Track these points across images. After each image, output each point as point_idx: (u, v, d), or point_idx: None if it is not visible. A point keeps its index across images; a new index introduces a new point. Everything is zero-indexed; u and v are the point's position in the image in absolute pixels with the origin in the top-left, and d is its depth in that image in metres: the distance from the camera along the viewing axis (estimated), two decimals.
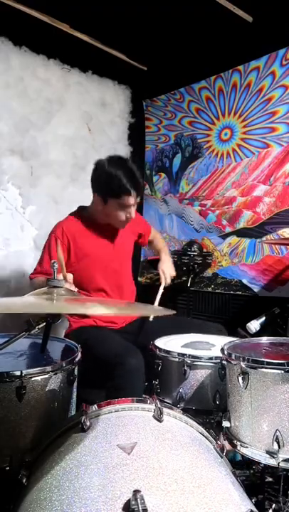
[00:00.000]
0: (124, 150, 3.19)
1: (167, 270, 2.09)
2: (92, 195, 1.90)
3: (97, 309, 1.07)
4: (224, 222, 2.75)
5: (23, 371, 1.11)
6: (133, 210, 1.85)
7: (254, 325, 1.68)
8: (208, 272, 2.82)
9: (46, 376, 1.15)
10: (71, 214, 1.98)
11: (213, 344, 1.65)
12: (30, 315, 1.04)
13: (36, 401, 1.13)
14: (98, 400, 1.03)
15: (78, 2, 2.30)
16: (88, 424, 0.90)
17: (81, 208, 2.00)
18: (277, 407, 1.14)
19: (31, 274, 1.87)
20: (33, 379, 1.12)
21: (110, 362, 1.53)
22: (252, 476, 1.46)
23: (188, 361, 1.46)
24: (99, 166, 1.84)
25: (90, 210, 1.95)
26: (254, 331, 1.67)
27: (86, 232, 1.91)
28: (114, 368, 1.50)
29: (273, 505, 1.29)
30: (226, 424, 1.28)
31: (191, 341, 1.70)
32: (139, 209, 3.25)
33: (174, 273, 2.12)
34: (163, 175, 3.19)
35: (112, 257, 1.96)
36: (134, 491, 0.68)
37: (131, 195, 1.78)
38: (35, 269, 1.87)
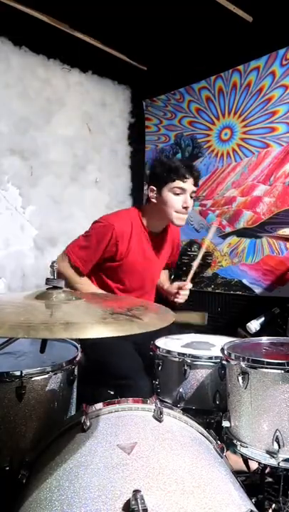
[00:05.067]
0: (124, 150, 3.19)
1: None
2: (148, 192, 1.88)
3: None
4: (224, 222, 2.75)
5: (23, 371, 1.11)
6: (189, 198, 1.81)
7: (254, 325, 1.68)
8: (208, 272, 2.82)
9: (46, 376, 1.15)
10: (124, 211, 1.96)
11: (213, 344, 1.65)
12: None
13: (36, 401, 1.13)
14: (99, 400, 1.04)
15: (78, 2, 2.30)
16: (88, 424, 0.90)
17: (137, 207, 1.96)
18: (277, 407, 1.14)
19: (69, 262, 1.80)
20: (33, 379, 1.12)
21: (117, 382, 1.56)
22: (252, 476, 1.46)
23: (189, 361, 1.47)
24: (156, 160, 1.93)
25: (145, 210, 1.91)
26: (254, 331, 1.67)
27: (137, 236, 1.86)
28: (122, 387, 1.52)
29: (273, 505, 1.29)
30: (225, 424, 1.28)
31: (191, 341, 1.70)
32: None
33: None
34: None
35: (154, 269, 1.96)
36: (134, 491, 0.68)
37: (186, 178, 1.78)
38: (75, 263, 1.80)
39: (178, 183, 1.78)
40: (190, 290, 1.95)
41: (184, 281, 1.94)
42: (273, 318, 1.73)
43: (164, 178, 1.80)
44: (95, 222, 1.86)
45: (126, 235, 1.82)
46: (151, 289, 2.02)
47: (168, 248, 2.06)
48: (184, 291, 1.91)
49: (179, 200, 1.80)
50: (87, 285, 1.81)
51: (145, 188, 3.28)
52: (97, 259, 1.81)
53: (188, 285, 1.91)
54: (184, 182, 1.79)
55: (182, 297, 1.92)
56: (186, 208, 1.81)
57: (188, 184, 1.80)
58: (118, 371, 1.60)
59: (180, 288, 1.92)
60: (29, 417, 1.11)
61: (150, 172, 1.91)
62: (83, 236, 1.85)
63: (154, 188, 1.84)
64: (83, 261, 1.81)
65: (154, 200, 1.85)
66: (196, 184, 1.84)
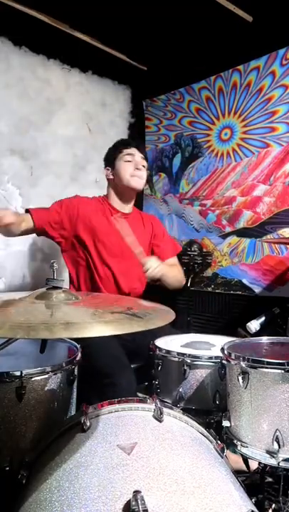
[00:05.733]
0: None
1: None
2: (106, 176, 2.11)
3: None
4: (224, 222, 2.75)
5: (23, 371, 1.11)
6: (140, 164, 2.02)
7: (254, 325, 1.68)
8: (208, 272, 2.82)
9: (46, 376, 1.15)
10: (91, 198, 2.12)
11: (213, 344, 1.65)
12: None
13: (36, 401, 1.13)
14: (98, 400, 1.03)
15: (78, 2, 2.30)
16: (88, 424, 0.90)
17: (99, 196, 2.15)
18: (277, 406, 1.14)
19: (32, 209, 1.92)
20: (33, 379, 1.12)
21: (101, 381, 1.54)
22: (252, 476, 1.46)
23: (188, 361, 1.46)
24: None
25: (108, 192, 2.12)
26: (254, 330, 1.67)
27: (103, 215, 2.03)
28: (105, 386, 1.52)
29: (273, 505, 1.29)
30: (225, 423, 1.28)
31: (191, 341, 1.70)
32: (139, 209, 3.25)
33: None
34: (163, 175, 3.18)
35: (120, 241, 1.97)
36: (135, 492, 0.67)
37: (131, 146, 2.04)
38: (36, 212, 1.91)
39: (125, 152, 2.03)
40: (190, 290, 1.96)
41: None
42: (273, 318, 1.73)
43: (113, 155, 2.06)
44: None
45: (90, 212, 1.99)
46: (137, 274, 2.02)
47: (145, 233, 2.13)
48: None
49: (130, 165, 2.02)
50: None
51: (145, 187, 3.27)
52: (55, 223, 1.92)
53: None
54: (129, 148, 2.03)
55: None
56: (138, 169, 2.01)
57: (134, 150, 2.04)
58: (99, 368, 1.59)
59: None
60: (29, 417, 1.11)
61: (104, 159, 2.14)
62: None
63: (109, 168, 2.08)
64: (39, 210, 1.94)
65: (111, 177, 2.07)
66: (142, 153, 2.08)
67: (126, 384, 1.53)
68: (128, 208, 2.12)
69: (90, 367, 1.55)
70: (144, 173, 2.04)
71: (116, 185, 2.07)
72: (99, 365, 1.61)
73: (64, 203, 1.98)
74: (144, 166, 2.05)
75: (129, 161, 2.02)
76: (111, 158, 2.07)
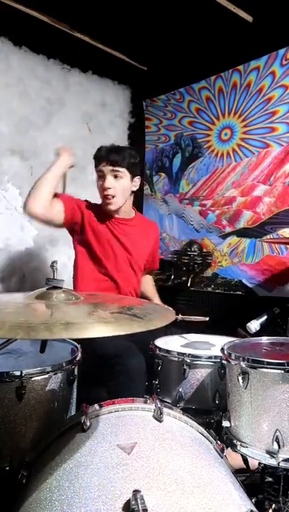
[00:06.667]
0: None
1: None
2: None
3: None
4: (224, 222, 2.75)
5: (23, 371, 1.11)
6: (108, 180, 1.86)
7: (254, 325, 1.68)
8: (208, 272, 2.82)
9: (46, 376, 1.15)
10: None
11: (213, 344, 1.65)
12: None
13: (36, 401, 1.13)
14: (99, 400, 1.03)
15: (78, 2, 2.30)
16: (88, 424, 0.90)
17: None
18: (277, 407, 1.14)
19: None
20: (33, 379, 1.12)
21: (110, 362, 1.52)
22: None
23: (188, 361, 1.46)
24: None
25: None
26: (254, 330, 1.67)
27: (101, 218, 1.93)
28: (114, 367, 1.50)
29: (273, 505, 1.29)
30: (225, 423, 1.28)
31: (191, 341, 1.70)
32: (139, 209, 3.25)
33: None
34: (163, 175, 3.19)
35: (130, 253, 1.96)
36: (134, 491, 0.68)
37: (101, 161, 1.88)
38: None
39: (97, 167, 1.91)
40: (190, 290, 1.95)
41: (185, 281, 1.95)
42: (273, 318, 1.73)
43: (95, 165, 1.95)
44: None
45: (91, 212, 1.90)
46: (131, 277, 2.00)
47: (149, 241, 2.08)
48: None
49: (99, 181, 1.91)
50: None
51: (145, 188, 3.28)
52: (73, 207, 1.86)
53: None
54: (99, 164, 1.90)
55: None
56: (106, 194, 1.87)
57: (105, 165, 1.87)
58: (107, 351, 1.55)
59: None
60: (29, 417, 1.11)
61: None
62: None
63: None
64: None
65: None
66: (119, 160, 1.87)
67: (135, 363, 1.51)
68: (127, 212, 2.00)
69: (95, 354, 1.53)
70: (114, 194, 1.87)
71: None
72: (105, 349, 1.56)
73: (73, 200, 1.92)
74: (117, 177, 1.87)
75: (100, 179, 1.90)
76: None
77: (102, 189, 1.88)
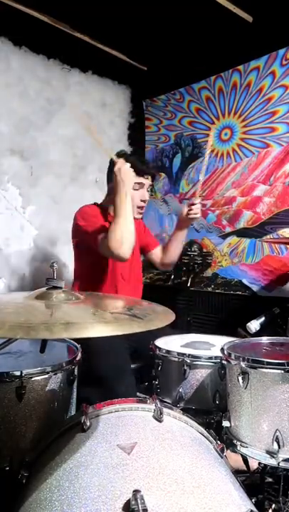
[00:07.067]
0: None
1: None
2: (108, 191, 2.02)
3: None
4: (224, 222, 2.75)
5: (23, 371, 1.11)
6: (146, 193, 1.97)
7: (254, 325, 1.68)
8: (208, 272, 2.82)
9: (46, 376, 1.15)
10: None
11: (213, 344, 1.65)
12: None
13: (36, 401, 1.13)
14: (98, 400, 1.03)
15: (78, 2, 2.30)
16: (88, 424, 0.90)
17: (95, 203, 2.03)
18: (277, 407, 1.14)
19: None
20: (33, 379, 1.12)
21: (102, 384, 1.55)
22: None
23: (188, 361, 1.46)
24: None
25: (104, 203, 2.02)
26: (254, 330, 1.67)
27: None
28: (105, 390, 1.52)
29: (273, 505, 1.29)
30: (225, 424, 1.28)
31: (191, 341, 1.70)
32: None
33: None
34: (163, 175, 3.19)
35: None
36: (134, 491, 0.68)
37: (143, 174, 1.93)
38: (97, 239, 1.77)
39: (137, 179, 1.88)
40: (190, 290, 1.96)
41: (185, 281, 1.96)
42: (273, 318, 1.73)
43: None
44: (79, 212, 1.93)
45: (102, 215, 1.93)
46: (135, 280, 2.06)
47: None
48: (195, 206, 2.01)
49: (137, 194, 1.93)
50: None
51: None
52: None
53: (197, 199, 2.03)
54: (142, 176, 1.93)
55: (195, 212, 2.01)
56: (143, 201, 1.96)
57: (145, 179, 1.96)
58: (97, 372, 1.59)
59: (191, 204, 2.02)
60: (29, 417, 1.11)
61: (108, 171, 2.01)
62: (79, 222, 1.89)
63: (111, 185, 1.92)
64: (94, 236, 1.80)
65: (111, 194, 1.94)
66: (146, 173, 1.96)
67: (123, 392, 1.52)
68: None
69: (92, 366, 1.55)
70: (145, 194, 1.99)
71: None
72: (101, 366, 1.61)
73: (89, 214, 1.92)
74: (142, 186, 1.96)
75: (136, 190, 1.92)
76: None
77: (140, 200, 1.96)
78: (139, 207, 1.97)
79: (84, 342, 1.49)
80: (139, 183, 1.92)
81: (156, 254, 2.21)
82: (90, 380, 1.52)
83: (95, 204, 2.02)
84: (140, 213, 2.01)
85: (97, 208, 1.95)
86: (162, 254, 2.21)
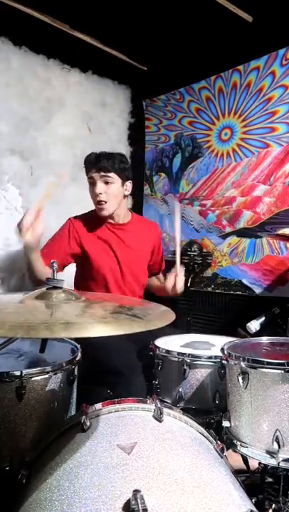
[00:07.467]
0: (124, 150, 3.18)
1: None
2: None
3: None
4: (224, 222, 2.75)
5: (23, 371, 1.11)
6: (98, 186, 1.88)
7: (254, 325, 1.68)
8: (208, 272, 2.82)
9: (46, 376, 1.15)
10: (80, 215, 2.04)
11: (213, 344, 1.65)
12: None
13: (36, 401, 1.13)
14: (99, 400, 1.04)
15: (78, 2, 2.30)
16: (88, 424, 0.90)
17: (92, 211, 2.03)
18: (277, 407, 1.14)
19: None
20: (33, 379, 1.12)
21: (113, 380, 1.55)
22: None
23: (188, 361, 1.46)
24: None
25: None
26: (254, 331, 1.67)
27: (96, 226, 1.97)
28: (118, 385, 1.52)
29: (273, 505, 1.29)
30: (225, 424, 1.28)
31: (191, 341, 1.70)
32: (139, 209, 3.25)
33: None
34: (163, 175, 3.19)
35: (129, 259, 1.99)
36: (134, 491, 0.68)
37: (90, 168, 1.89)
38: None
39: (88, 175, 1.92)
40: (190, 290, 1.95)
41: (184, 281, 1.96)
42: (273, 318, 1.73)
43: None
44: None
45: (84, 226, 1.96)
46: (133, 282, 2.02)
47: (145, 243, 2.08)
48: (178, 277, 1.91)
49: (92, 191, 1.92)
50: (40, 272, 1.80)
51: (145, 188, 3.28)
52: (63, 252, 1.91)
53: (178, 269, 1.92)
54: (89, 171, 1.91)
55: (179, 284, 1.92)
56: (99, 200, 1.90)
57: (95, 173, 1.89)
58: (110, 367, 1.59)
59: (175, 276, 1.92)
60: (29, 417, 1.11)
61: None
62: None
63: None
64: (46, 249, 1.89)
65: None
66: (105, 170, 1.88)
67: (137, 383, 1.54)
68: (121, 216, 2.01)
69: (95, 362, 1.54)
70: (106, 200, 1.89)
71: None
72: (106, 361, 1.60)
73: (65, 231, 1.96)
74: (107, 183, 1.88)
75: (91, 186, 1.91)
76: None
77: (94, 195, 1.90)
78: (97, 202, 1.90)
79: (87, 342, 1.49)
80: (90, 178, 1.90)
81: (152, 279, 2.20)
82: (99, 379, 1.53)
83: (91, 211, 2.01)
84: (101, 209, 1.91)
85: (75, 223, 1.96)
86: (156, 282, 2.20)
